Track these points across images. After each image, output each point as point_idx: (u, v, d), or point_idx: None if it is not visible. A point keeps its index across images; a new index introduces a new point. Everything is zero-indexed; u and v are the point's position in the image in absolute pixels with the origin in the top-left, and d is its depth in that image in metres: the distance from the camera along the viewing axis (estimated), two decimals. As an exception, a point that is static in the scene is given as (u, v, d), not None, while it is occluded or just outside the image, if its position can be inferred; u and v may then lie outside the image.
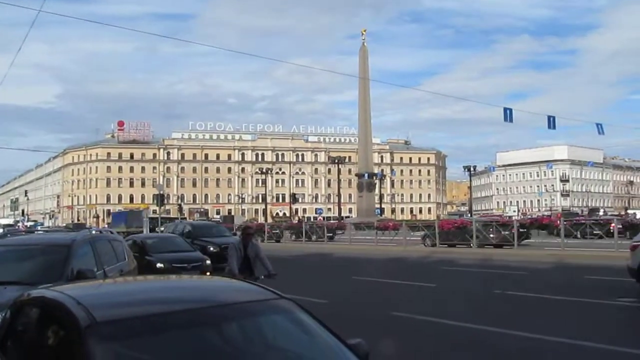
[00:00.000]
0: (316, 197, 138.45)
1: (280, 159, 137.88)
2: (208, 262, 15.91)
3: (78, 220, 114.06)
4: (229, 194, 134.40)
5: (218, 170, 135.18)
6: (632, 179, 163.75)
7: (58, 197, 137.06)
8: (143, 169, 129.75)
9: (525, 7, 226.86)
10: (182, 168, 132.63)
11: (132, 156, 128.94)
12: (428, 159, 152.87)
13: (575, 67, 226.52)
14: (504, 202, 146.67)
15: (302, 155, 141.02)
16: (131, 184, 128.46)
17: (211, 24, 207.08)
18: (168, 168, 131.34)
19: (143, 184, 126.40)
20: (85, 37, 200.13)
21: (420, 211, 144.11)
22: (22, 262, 7.54)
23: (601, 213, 72.84)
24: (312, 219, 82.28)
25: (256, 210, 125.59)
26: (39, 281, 6.20)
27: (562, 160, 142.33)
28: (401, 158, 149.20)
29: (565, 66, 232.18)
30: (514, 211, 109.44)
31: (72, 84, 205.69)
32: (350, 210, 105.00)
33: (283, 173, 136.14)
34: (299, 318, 3.32)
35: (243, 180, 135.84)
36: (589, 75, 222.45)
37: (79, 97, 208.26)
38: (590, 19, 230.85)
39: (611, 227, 25.80)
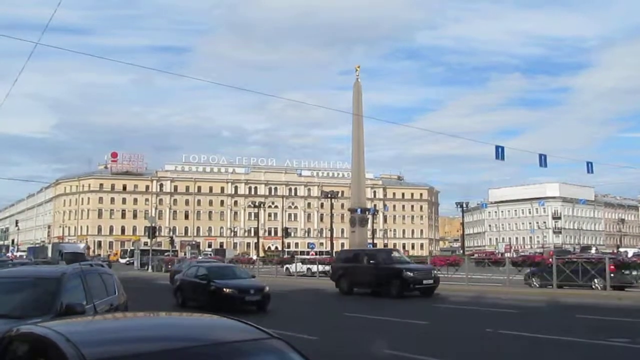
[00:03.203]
0: (308, 231, 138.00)
1: (273, 193, 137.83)
2: None
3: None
4: (221, 227, 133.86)
5: (211, 203, 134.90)
6: (623, 217, 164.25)
7: (49, 227, 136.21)
8: (135, 200, 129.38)
9: (517, 46, 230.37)
10: (175, 200, 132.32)
11: (124, 188, 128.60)
12: (421, 194, 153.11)
13: (566, 105, 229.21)
14: (497, 239, 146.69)
15: (295, 189, 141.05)
16: (123, 216, 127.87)
17: (206, 57, 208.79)
18: (160, 200, 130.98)
19: (135, 216, 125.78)
20: (82, 68, 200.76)
21: (413, 247, 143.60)
22: (10, 294, 7.43)
23: (593, 251, 72.87)
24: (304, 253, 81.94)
25: (248, 244, 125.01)
26: (28, 314, 6.14)
27: (553, 198, 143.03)
28: (394, 193, 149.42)
29: (556, 104, 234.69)
30: (507, 246, 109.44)
31: (67, 114, 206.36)
32: (342, 245, 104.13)
33: (276, 207, 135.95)
34: (290, 358, 3.30)
35: (235, 213, 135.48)
36: (579, 114, 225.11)
37: (74, 127, 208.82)
38: (581, 58, 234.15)
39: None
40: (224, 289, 18.16)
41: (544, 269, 26.65)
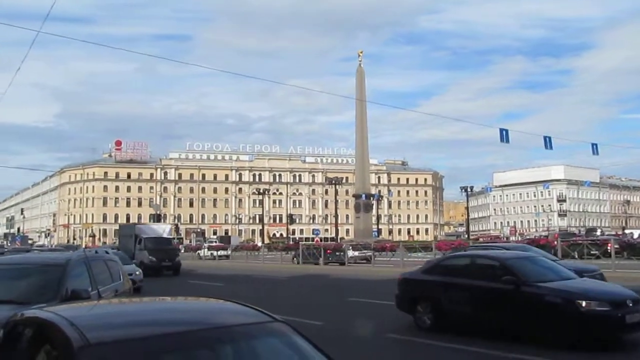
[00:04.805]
0: (313, 218, 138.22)
1: (277, 180, 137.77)
2: None
3: (74, 239, 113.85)
4: (226, 215, 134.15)
5: (215, 190, 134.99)
6: (629, 199, 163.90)
7: (54, 215, 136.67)
8: (140, 188, 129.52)
9: (519, 28, 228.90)
10: (179, 188, 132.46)
11: (129, 176, 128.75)
12: (425, 179, 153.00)
13: (569, 87, 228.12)
14: (502, 223, 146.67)
15: (300, 176, 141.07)
16: (128, 204, 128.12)
17: (210, 45, 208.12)
18: (165, 188, 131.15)
19: (140, 204, 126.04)
20: (85, 57, 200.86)
21: (418, 232, 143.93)
22: (16, 281, 7.50)
23: (598, 233, 72.81)
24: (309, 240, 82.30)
25: (253, 231, 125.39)
26: (33, 300, 6.16)
27: (558, 180, 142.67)
28: (398, 179, 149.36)
29: (559, 86, 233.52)
30: (512, 229, 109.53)
31: (71, 103, 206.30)
32: (347, 232, 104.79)
33: (280, 194, 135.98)
34: (294, 341, 3.30)
35: (240, 200, 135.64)
36: (583, 95, 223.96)
37: (78, 116, 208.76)
38: (584, 39, 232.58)
39: (608, 247, 25.80)
40: (583, 303, 9.26)
41: None
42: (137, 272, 21.12)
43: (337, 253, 38.94)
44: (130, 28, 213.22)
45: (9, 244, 74.23)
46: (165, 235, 37.35)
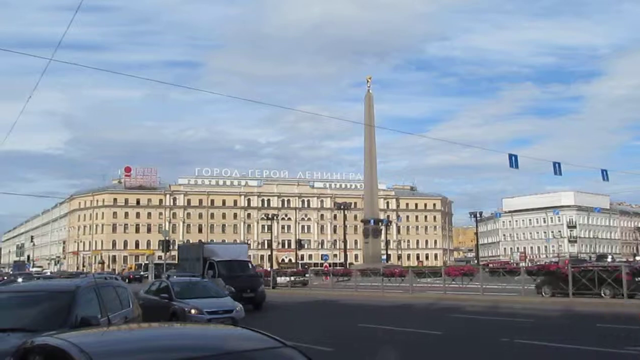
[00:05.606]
0: (322, 243, 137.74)
1: (286, 205, 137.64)
2: None
3: (83, 266, 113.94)
4: (235, 240, 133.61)
5: (224, 216, 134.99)
6: (639, 225, 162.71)
7: (64, 242, 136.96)
8: (149, 214, 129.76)
9: (528, 55, 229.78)
10: (188, 214, 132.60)
11: (138, 202, 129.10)
12: (434, 205, 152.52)
13: (579, 114, 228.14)
14: (511, 249, 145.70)
15: (308, 201, 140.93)
16: (137, 230, 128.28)
17: (219, 71, 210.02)
18: (174, 214, 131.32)
19: (149, 230, 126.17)
20: (96, 84, 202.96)
21: (427, 257, 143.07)
22: (26, 308, 7.49)
23: (609, 259, 72.29)
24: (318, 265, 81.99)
25: (262, 257, 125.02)
26: (43, 328, 6.15)
27: (568, 206, 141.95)
28: (407, 204, 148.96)
29: (569, 113, 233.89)
30: (522, 255, 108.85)
31: (81, 130, 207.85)
32: (356, 257, 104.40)
33: (289, 219, 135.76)
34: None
35: (249, 226, 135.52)
36: (594, 122, 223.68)
37: (88, 143, 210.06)
38: (594, 66, 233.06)
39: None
40: None
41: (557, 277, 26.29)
42: (238, 309, 15.90)
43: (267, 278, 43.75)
44: (141, 55, 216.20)
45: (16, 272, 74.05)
46: (241, 258, 30.21)
